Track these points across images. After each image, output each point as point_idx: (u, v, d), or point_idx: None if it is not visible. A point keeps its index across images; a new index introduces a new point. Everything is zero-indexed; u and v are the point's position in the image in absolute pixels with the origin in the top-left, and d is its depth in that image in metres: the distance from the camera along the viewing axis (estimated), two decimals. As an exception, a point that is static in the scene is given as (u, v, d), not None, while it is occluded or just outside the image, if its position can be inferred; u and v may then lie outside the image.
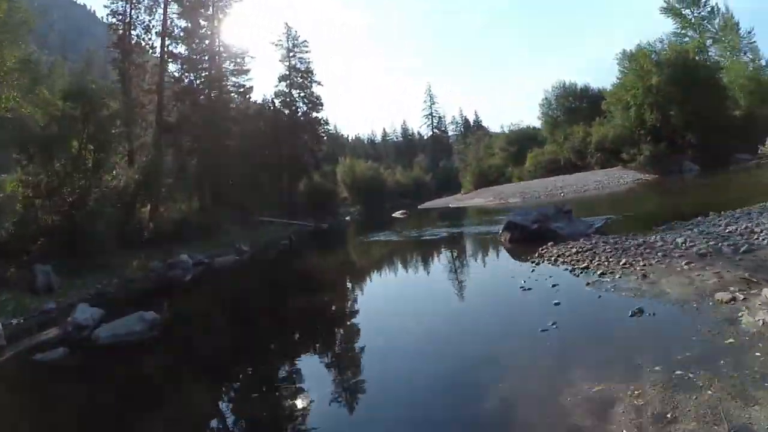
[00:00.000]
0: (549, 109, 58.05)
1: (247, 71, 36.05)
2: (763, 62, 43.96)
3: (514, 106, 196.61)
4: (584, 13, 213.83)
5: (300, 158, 43.77)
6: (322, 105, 46.72)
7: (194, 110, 31.24)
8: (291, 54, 45.92)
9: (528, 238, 15.16)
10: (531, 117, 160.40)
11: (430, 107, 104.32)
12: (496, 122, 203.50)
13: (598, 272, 8.91)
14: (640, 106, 40.69)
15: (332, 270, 17.88)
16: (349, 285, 14.57)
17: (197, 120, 30.66)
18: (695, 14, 46.94)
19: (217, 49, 33.91)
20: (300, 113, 45.83)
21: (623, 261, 9.15)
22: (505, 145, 60.74)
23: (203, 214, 27.65)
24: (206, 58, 32.93)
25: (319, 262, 20.51)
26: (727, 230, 10.18)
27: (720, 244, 8.90)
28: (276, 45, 46.26)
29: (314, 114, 46.70)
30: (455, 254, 17.89)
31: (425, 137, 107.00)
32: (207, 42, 32.81)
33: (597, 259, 9.95)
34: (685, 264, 8.00)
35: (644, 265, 8.46)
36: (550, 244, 13.02)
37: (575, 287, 8.58)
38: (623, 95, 42.46)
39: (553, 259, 11.17)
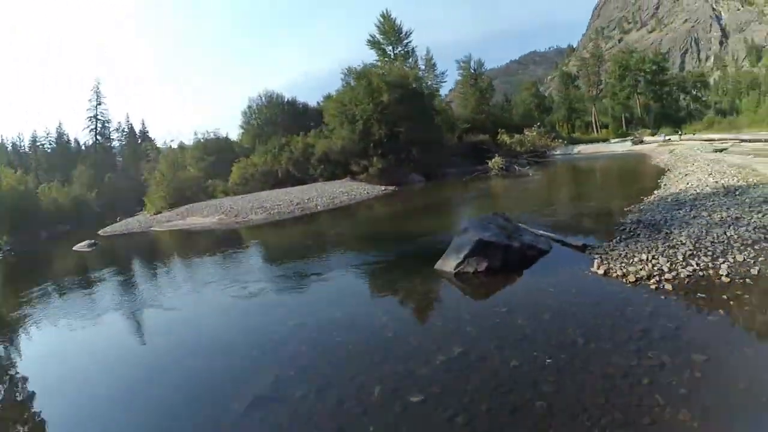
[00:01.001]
0: (253, 118, 54.50)
1: None
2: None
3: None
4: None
5: None
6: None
7: None
8: None
9: (507, 265, 11.55)
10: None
11: (96, 108, 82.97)
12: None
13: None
14: (368, 121, 41.69)
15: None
16: None
17: None
18: (396, 51, 53.57)
19: None
20: None
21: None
22: (201, 155, 53.39)
23: None
24: None
25: None
26: None
27: None
28: None
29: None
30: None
31: (87, 145, 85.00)
32: None
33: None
34: None
35: None
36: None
37: None
38: (349, 109, 42.68)
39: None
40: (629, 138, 59.70)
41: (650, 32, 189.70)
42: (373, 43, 54.92)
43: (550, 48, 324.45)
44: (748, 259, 9.44)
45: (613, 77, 76.88)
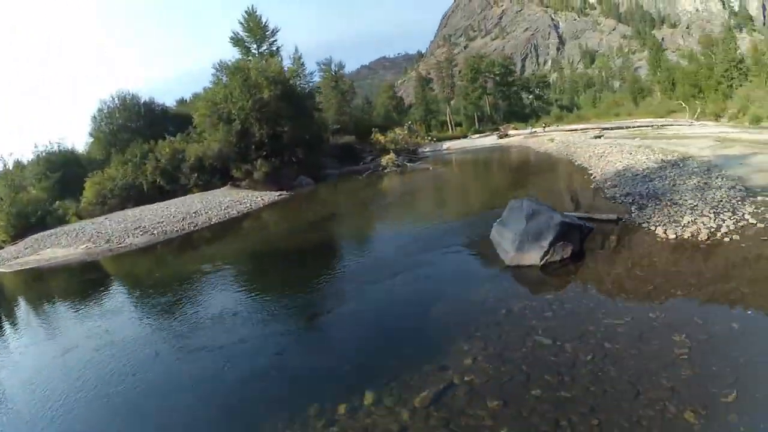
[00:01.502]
0: (104, 124, 46.99)
1: None
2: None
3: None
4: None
5: None
6: None
7: None
8: None
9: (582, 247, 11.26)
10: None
11: None
12: None
13: None
14: (246, 120, 37.55)
15: None
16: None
17: None
18: (260, 50, 50.08)
19: None
20: None
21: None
22: (43, 171, 44.37)
23: None
24: None
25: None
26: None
27: None
28: None
29: None
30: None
31: None
32: None
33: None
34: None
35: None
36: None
37: None
38: (224, 107, 38.09)
39: None
40: (493, 133, 64.08)
41: (494, 39, 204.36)
42: (237, 41, 50.58)
43: (398, 54, 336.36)
44: (758, 209, 11.65)
45: (465, 79, 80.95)
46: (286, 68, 44.44)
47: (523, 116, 79.22)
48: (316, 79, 62.62)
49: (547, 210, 11.17)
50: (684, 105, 49.37)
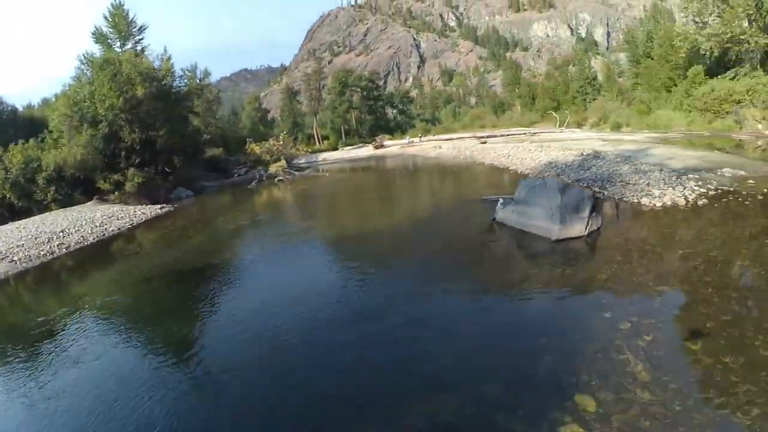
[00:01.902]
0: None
1: None
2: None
3: None
4: None
5: None
6: None
7: None
8: None
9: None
10: None
11: None
12: None
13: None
14: (114, 122, 33.22)
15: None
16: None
17: None
18: (123, 48, 43.92)
19: None
20: None
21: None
22: None
23: None
24: None
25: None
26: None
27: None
28: None
29: None
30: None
31: None
32: None
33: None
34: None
35: None
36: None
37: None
38: (89, 107, 33.37)
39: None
40: (366, 144, 65.93)
41: (358, 56, 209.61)
42: (99, 37, 44.64)
43: (261, 66, 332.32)
44: (699, 183, 15.94)
45: (333, 93, 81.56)
46: (158, 66, 40.00)
47: (388, 129, 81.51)
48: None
49: (569, 185, 12.81)
50: (554, 114, 55.82)
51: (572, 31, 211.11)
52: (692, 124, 36.60)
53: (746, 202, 13.77)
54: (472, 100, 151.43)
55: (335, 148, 69.92)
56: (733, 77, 37.26)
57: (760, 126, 32.22)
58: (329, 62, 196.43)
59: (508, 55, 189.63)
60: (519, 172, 23.99)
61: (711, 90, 36.60)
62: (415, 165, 39.66)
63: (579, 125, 50.93)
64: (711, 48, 37.62)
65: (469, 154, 36.96)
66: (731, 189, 15.18)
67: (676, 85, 43.22)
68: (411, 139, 59.84)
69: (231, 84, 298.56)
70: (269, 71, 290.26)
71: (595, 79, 62.59)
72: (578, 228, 11.39)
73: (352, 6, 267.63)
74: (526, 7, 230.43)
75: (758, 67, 36.83)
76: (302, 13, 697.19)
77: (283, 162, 40.04)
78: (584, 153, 23.98)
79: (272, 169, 38.38)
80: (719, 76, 38.25)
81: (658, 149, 24.29)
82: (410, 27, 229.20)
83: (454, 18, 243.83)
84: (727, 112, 35.16)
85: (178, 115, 38.19)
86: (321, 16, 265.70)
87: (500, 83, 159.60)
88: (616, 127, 42.58)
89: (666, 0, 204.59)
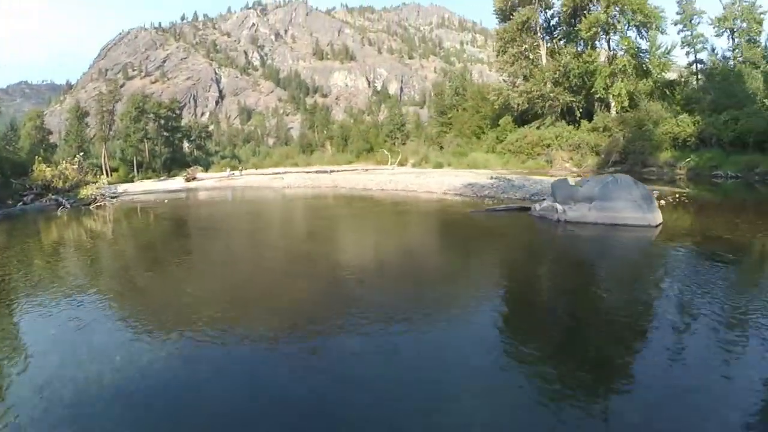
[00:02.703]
0: None
1: None
2: None
3: None
4: None
5: None
6: None
7: None
8: None
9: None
10: None
11: None
12: None
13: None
14: None
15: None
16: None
17: None
18: None
19: None
20: None
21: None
22: None
23: None
24: None
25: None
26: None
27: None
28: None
29: None
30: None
31: None
32: None
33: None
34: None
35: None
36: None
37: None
38: None
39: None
40: (177, 175, 60.49)
41: (153, 82, 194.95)
42: None
43: (43, 82, 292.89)
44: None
45: (127, 119, 72.17)
46: None
47: (184, 164, 74.58)
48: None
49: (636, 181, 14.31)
50: (387, 153, 56.30)
51: (369, 83, 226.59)
52: (508, 164, 41.63)
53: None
54: (270, 141, 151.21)
55: (129, 181, 60.52)
56: (538, 126, 45.11)
57: (567, 164, 39.69)
58: (122, 85, 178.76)
59: (308, 99, 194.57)
60: (440, 194, 24.88)
61: (524, 136, 44.07)
62: (285, 196, 31.52)
63: (401, 164, 52.55)
64: (520, 103, 45.77)
65: (344, 184, 33.84)
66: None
67: (485, 133, 50.34)
68: (232, 172, 56.32)
69: (7, 97, 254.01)
70: (52, 88, 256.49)
71: (404, 125, 69.12)
72: (660, 215, 12.99)
73: (155, 29, 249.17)
74: (329, 56, 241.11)
75: (560, 118, 45.38)
76: (98, 27, 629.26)
77: (101, 182, 33.81)
78: (494, 177, 27.59)
79: (84, 193, 30.35)
80: (527, 126, 45.99)
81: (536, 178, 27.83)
82: (213, 60, 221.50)
83: (258, 57, 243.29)
84: (538, 154, 42.43)
85: None
86: (119, 34, 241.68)
87: (299, 126, 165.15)
88: (438, 166, 45.40)
89: (455, 65, 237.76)
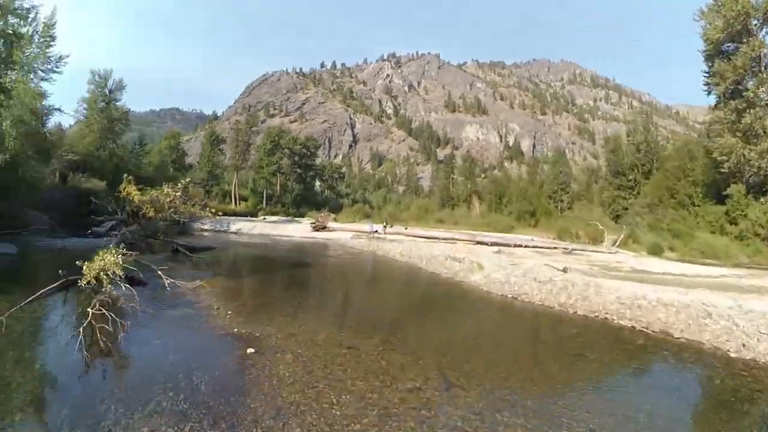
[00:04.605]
0: None
1: None
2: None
3: None
4: None
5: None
6: None
7: None
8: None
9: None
10: None
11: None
12: None
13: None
14: None
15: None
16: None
17: None
18: None
19: None
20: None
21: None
22: None
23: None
24: None
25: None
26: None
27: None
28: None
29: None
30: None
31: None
32: None
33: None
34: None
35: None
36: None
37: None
38: None
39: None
40: (296, 219, 52.58)
41: (292, 122, 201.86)
42: None
43: (193, 110, 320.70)
44: None
45: (262, 150, 72.16)
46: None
47: (314, 203, 73.06)
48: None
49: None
50: (600, 226, 38.10)
51: (501, 138, 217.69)
52: (759, 255, 26.82)
53: None
54: (400, 188, 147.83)
55: (253, 213, 57.58)
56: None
57: None
58: (263, 122, 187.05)
59: (438, 150, 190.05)
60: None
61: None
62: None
63: (593, 241, 35.40)
64: (761, 166, 30.06)
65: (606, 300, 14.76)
66: None
67: (695, 204, 34.99)
68: (374, 226, 40.00)
69: (157, 119, 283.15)
70: (200, 117, 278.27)
71: (568, 185, 55.92)
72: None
73: (296, 73, 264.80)
74: (461, 109, 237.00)
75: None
76: (246, 70, 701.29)
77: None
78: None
79: (97, 264, 9.51)
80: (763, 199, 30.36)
81: None
82: (348, 106, 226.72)
83: (391, 106, 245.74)
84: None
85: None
86: (263, 75, 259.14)
87: (429, 176, 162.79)
88: (656, 252, 30.00)
89: (589, 122, 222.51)
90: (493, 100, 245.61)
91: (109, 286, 10.91)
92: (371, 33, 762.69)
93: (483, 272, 19.35)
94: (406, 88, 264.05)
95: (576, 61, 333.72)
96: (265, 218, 53.54)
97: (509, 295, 15.87)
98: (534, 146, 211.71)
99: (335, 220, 48.69)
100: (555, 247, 30.51)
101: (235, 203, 65.14)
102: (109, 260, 11.24)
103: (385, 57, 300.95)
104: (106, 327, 9.22)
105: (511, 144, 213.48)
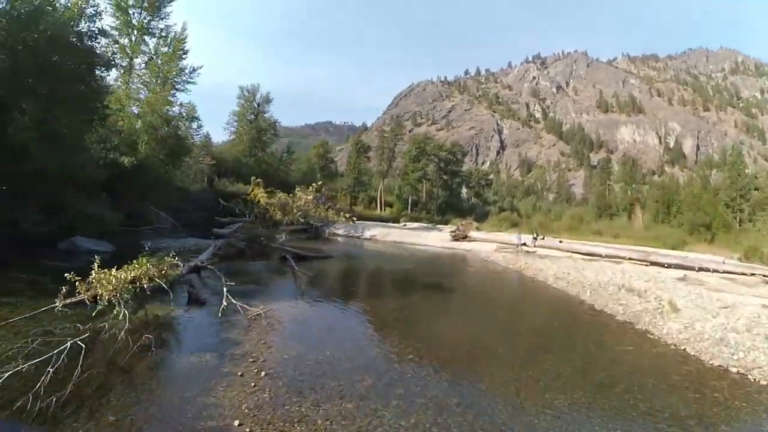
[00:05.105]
0: None
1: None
2: None
3: None
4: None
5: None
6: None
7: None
8: None
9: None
10: None
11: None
12: None
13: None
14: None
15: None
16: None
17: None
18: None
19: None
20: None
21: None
22: None
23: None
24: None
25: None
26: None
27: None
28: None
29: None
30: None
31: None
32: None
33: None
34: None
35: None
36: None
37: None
38: None
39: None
40: (437, 226, 50.46)
41: (439, 130, 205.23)
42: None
43: (345, 122, 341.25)
44: None
45: (407, 157, 72.98)
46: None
47: (460, 210, 71.68)
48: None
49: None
50: None
51: (660, 140, 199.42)
52: None
53: None
54: (550, 196, 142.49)
55: (396, 219, 58.25)
56: None
57: None
58: (410, 131, 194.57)
59: (591, 155, 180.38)
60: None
61: None
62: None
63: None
64: None
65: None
66: None
67: None
68: (522, 237, 33.95)
69: (312, 132, 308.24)
70: (351, 128, 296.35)
71: (748, 190, 46.27)
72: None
73: (441, 82, 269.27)
74: (614, 109, 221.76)
75: None
76: (394, 81, 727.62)
77: (339, 219, 22.72)
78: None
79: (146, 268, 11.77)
80: None
81: None
82: (495, 111, 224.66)
83: (539, 110, 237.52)
84: None
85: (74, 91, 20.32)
86: (410, 86, 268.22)
87: (581, 182, 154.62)
88: None
89: (758, 118, 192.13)
90: (649, 97, 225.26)
91: (124, 310, 9.00)
92: (514, 37, 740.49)
93: (679, 318, 13.32)
94: (554, 90, 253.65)
95: (737, 48, 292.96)
96: (405, 224, 52.42)
97: (733, 369, 9.57)
98: (698, 147, 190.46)
99: (478, 228, 45.46)
100: (752, 274, 23.83)
101: (381, 209, 67.66)
102: (122, 277, 9.46)
103: (530, 59, 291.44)
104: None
105: (671, 145, 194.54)
